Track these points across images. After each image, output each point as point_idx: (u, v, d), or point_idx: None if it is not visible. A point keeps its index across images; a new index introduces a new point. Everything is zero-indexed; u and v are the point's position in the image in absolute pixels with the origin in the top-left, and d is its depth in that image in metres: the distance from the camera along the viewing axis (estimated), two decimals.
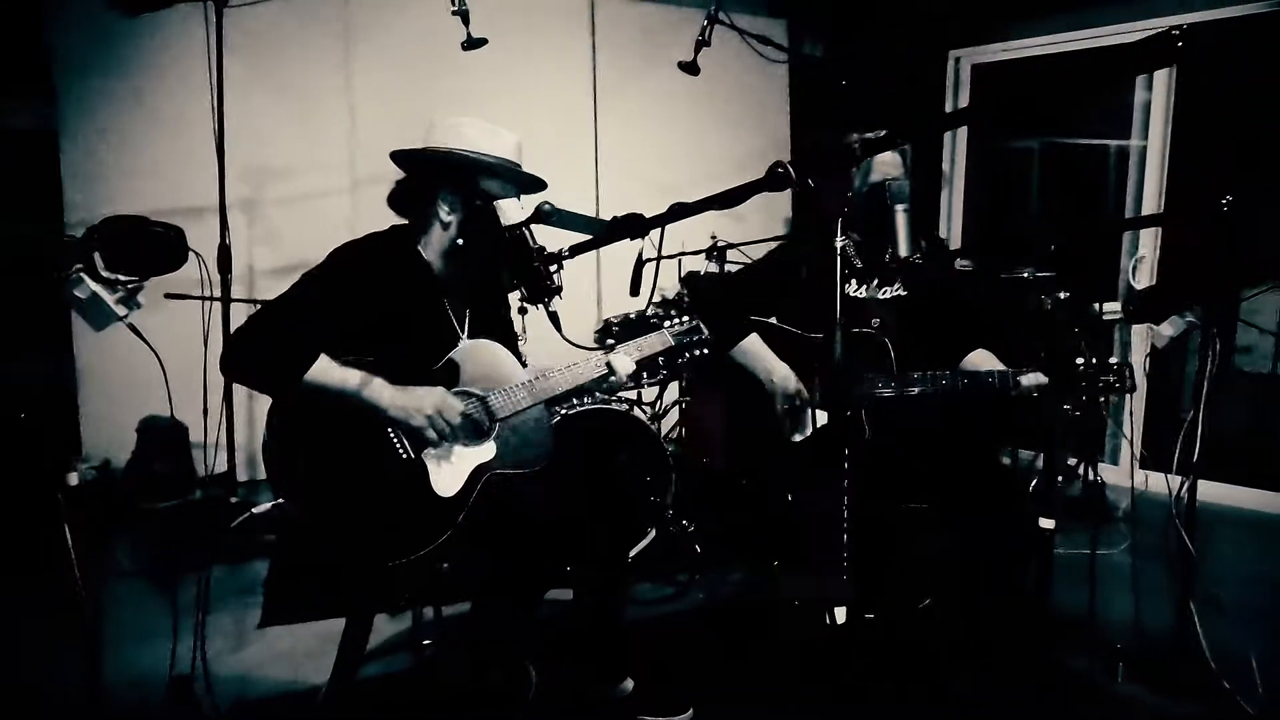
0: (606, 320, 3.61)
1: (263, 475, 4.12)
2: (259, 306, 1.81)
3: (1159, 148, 4.27)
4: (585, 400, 2.84)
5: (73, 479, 1.69)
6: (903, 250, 2.13)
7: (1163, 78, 4.21)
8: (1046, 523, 1.69)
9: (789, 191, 5.03)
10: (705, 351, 2.10)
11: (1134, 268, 4.23)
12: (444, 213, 1.95)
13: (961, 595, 2.43)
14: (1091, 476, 3.99)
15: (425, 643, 2.54)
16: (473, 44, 3.49)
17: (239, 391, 3.74)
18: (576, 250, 1.61)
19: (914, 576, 2.59)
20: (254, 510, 1.70)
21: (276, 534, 3.02)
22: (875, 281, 2.43)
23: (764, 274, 2.51)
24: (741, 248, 4.18)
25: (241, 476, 4.18)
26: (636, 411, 3.24)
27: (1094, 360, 2.11)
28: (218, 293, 3.31)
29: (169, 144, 3.95)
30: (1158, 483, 3.70)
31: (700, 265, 4.24)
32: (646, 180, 4.76)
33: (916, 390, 2.21)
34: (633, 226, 1.40)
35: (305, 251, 4.31)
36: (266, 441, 1.71)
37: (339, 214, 4.38)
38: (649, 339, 2.09)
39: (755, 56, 5.01)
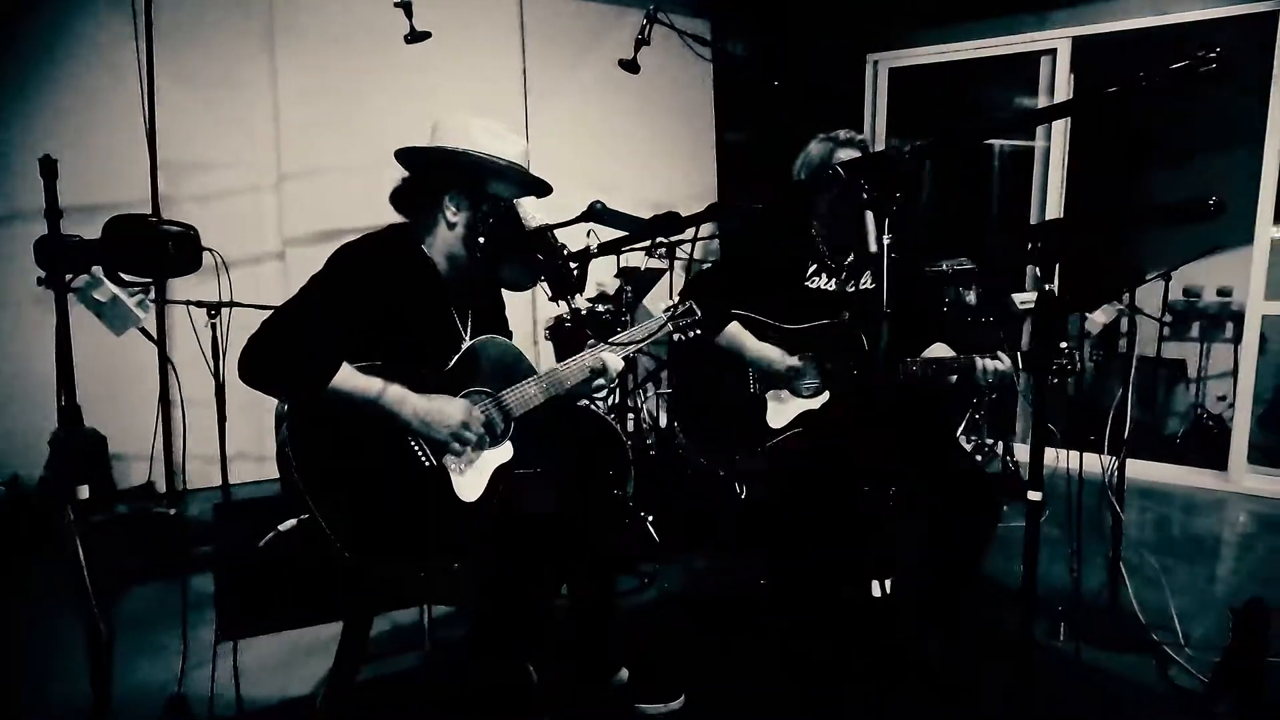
0: (559, 317, 3.63)
1: (186, 485, 4.01)
2: (270, 312, 1.73)
3: (1060, 149, 4.62)
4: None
5: None
6: (872, 246, 2.22)
7: (1063, 86, 4.56)
8: (1034, 495, 1.82)
9: (715, 184, 5.13)
10: (698, 333, 2.15)
11: None
12: (450, 213, 1.94)
13: (924, 572, 2.58)
14: (1008, 455, 4.28)
15: (384, 650, 2.53)
16: (416, 37, 3.42)
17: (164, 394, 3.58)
18: (605, 249, 1.64)
19: (878, 557, 2.72)
20: (280, 529, 1.63)
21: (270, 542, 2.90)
22: (844, 275, 2.55)
23: (742, 267, 2.58)
24: (681, 245, 4.28)
25: (162, 487, 4.01)
26: (592, 406, 3.28)
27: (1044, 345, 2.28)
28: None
29: (95, 136, 3.74)
30: (1067, 459, 4.05)
31: (641, 261, 4.31)
32: (577, 175, 4.78)
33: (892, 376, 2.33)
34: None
35: (227, 251, 4.17)
36: (284, 450, 1.65)
37: (265, 212, 4.21)
38: (647, 324, 2.12)
39: (682, 55, 5.11)
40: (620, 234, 1.75)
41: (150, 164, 3.27)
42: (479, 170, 1.93)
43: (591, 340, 2.03)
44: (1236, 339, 5.05)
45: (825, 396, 2.43)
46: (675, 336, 2.12)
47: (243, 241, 4.10)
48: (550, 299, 1.83)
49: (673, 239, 4.28)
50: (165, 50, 3.68)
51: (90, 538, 2.42)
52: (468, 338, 2.00)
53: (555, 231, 1.77)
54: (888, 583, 1.44)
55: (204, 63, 3.98)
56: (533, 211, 1.85)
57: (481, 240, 1.89)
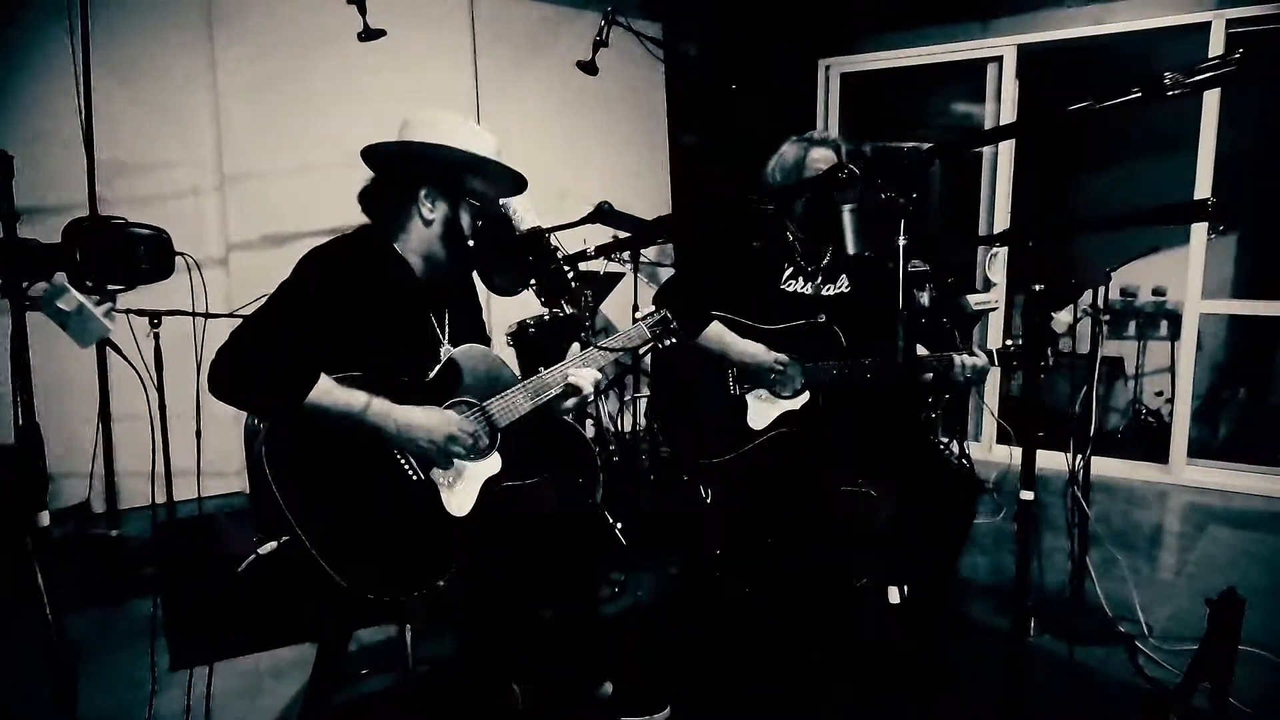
0: (521, 322, 3.55)
1: (124, 505, 3.81)
2: (240, 321, 1.62)
3: (1008, 157, 4.74)
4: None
5: None
6: (850, 248, 2.22)
7: (1009, 92, 4.68)
8: (1026, 494, 1.84)
9: (668, 186, 5.10)
10: (674, 340, 2.12)
11: (989, 263, 4.67)
12: (426, 210, 1.85)
13: (901, 570, 2.58)
14: (961, 453, 4.35)
15: (363, 671, 2.43)
16: (370, 34, 3.32)
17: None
18: (602, 250, 1.59)
19: (855, 555, 2.74)
20: (260, 552, 1.52)
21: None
22: (820, 279, 2.54)
23: (717, 270, 2.56)
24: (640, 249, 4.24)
25: (99, 506, 3.80)
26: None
27: (1020, 344, 2.31)
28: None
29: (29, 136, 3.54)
30: (1018, 456, 4.15)
31: (600, 266, 4.26)
32: (529, 175, 4.70)
33: (869, 375, 2.34)
34: (669, 227, 1.40)
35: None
36: (260, 467, 1.55)
37: (207, 215, 4.03)
38: (627, 334, 2.07)
39: (635, 57, 5.09)
40: (612, 236, 1.70)
41: (88, 164, 3.08)
42: (455, 165, 1.85)
43: (574, 345, 1.97)
44: (1172, 337, 5.26)
45: (806, 397, 2.42)
46: (648, 347, 2.08)
47: (182, 246, 3.89)
48: (542, 304, 1.77)
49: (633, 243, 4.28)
50: (101, 44, 3.49)
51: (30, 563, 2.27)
52: (446, 342, 1.93)
53: (550, 234, 1.72)
54: (905, 589, 1.41)
55: (140, 57, 3.80)
56: (524, 213, 1.79)
57: (471, 243, 1.81)
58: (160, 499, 3.15)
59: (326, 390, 1.62)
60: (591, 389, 1.97)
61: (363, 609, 1.85)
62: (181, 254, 1.72)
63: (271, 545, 1.51)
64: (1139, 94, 1.12)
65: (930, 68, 4.91)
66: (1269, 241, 5.35)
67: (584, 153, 5.07)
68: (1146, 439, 5.06)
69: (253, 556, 1.50)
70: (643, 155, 5.35)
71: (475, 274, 1.93)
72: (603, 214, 1.73)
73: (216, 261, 4.07)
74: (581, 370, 1.94)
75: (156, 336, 3.07)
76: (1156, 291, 5.44)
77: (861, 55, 5.12)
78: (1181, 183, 4.29)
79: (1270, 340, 5.28)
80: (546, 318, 3.52)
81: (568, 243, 2.40)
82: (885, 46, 5.03)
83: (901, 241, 1.30)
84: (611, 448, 4.24)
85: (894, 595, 1.42)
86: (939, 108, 5.43)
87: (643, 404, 4.48)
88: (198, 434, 2.89)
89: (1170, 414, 4.66)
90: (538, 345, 3.44)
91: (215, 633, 2.67)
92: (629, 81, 5.12)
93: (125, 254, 1.45)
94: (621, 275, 4.29)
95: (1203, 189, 4.24)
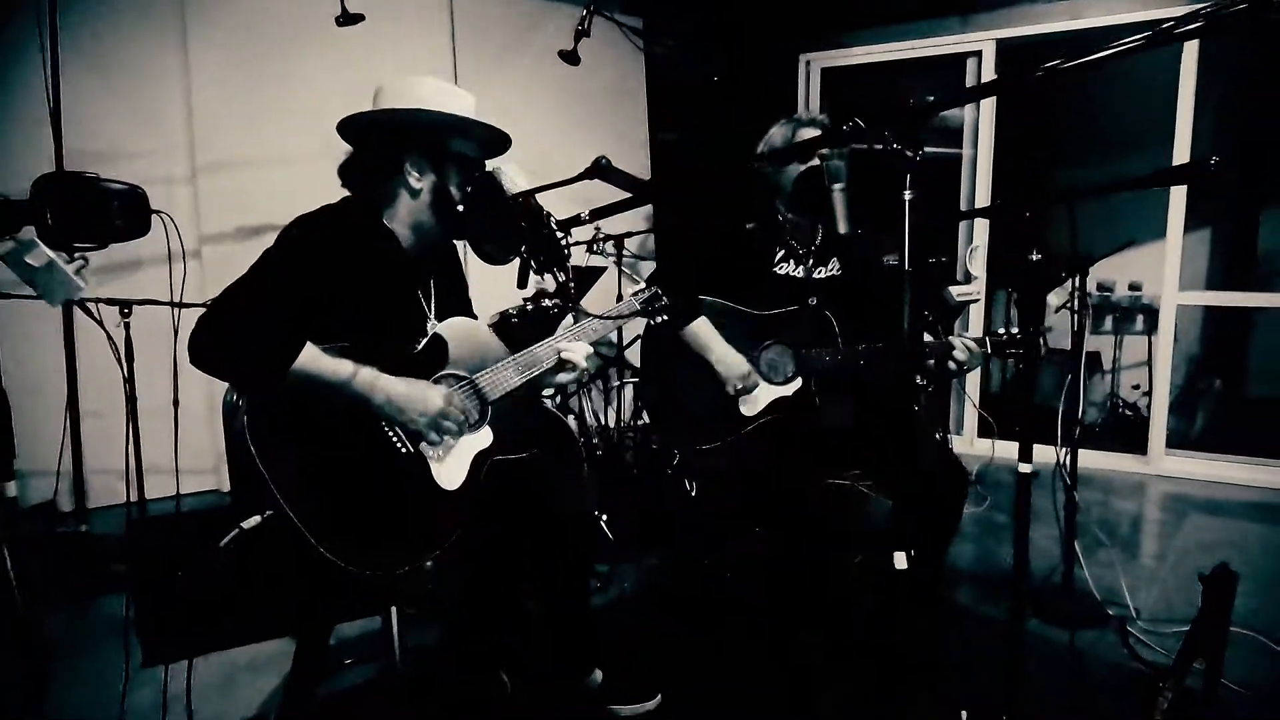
0: (503, 312, 3.50)
1: (93, 503, 3.70)
2: (221, 291, 1.56)
3: (987, 157, 4.77)
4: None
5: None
6: (842, 228, 2.19)
7: (988, 102, 4.72)
8: (1025, 467, 1.83)
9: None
10: (666, 318, 2.08)
11: (970, 256, 4.69)
12: (413, 180, 1.80)
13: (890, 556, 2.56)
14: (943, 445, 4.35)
15: (346, 661, 2.36)
16: (349, 19, 3.27)
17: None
18: (598, 214, 1.55)
19: (848, 542, 2.71)
20: (243, 526, 1.45)
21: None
22: (811, 261, 2.52)
23: (712, 251, 2.52)
24: (620, 239, 4.22)
25: (67, 505, 3.69)
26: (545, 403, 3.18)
27: (1014, 332, 2.30)
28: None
29: None
30: (1002, 449, 4.18)
31: (581, 259, 4.22)
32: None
33: (862, 362, 2.31)
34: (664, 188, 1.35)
35: (138, 247, 3.87)
36: (242, 442, 1.48)
37: (178, 206, 3.93)
38: (617, 307, 2.04)
39: (615, 50, 5.07)
40: (609, 205, 1.66)
41: (55, 153, 2.99)
42: (437, 130, 1.80)
43: (567, 317, 1.93)
44: (1148, 331, 5.31)
45: (798, 383, 2.39)
46: (650, 320, 2.05)
47: (153, 237, 3.80)
48: (535, 272, 1.72)
49: (615, 234, 4.24)
50: (70, 31, 3.41)
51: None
52: (432, 315, 1.87)
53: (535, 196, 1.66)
54: (901, 557, 1.38)
55: (110, 43, 3.70)
56: (514, 176, 1.74)
57: (460, 209, 1.76)
58: (134, 496, 3.06)
59: (313, 358, 1.57)
60: (584, 362, 1.94)
61: (347, 594, 1.79)
62: (158, 211, 1.65)
63: (255, 519, 1.44)
64: (1111, 51, 1.12)
65: (910, 62, 4.93)
66: (1242, 235, 5.44)
67: (564, 148, 5.00)
68: (1124, 432, 5.11)
69: (235, 530, 1.44)
70: (623, 149, 5.31)
71: (465, 243, 1.87)
72: (601, 169, 1.68)
73: (190, 253, 3.97)
74: (574, 344, 1.90)
75: (127, 326, 2.98)
76: (1133, 286, 5.50)
77: (842, 50, 5.13)
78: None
79: (1243, 332, 5.35)
80: (529, 308, 3.47)
81: (562, 207, 2.33)
82: (866, 42, 5.04)
83: (907, 195, 1.27)
84: (595, 441, 4.20)
85: (900, 561, 1.38)
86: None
87: (627, 396, 4.43)
88: (175, 424, 2.79)
89: (1148, 407, 4.69)
90: (520, 335, 3.38)
91: (190, 628, 2.59)
92: (609, 75, 5.09)
93: (98, 210, 1.37)
94: (603, 269, 4.25)
95: (1178, 191, 4.28)
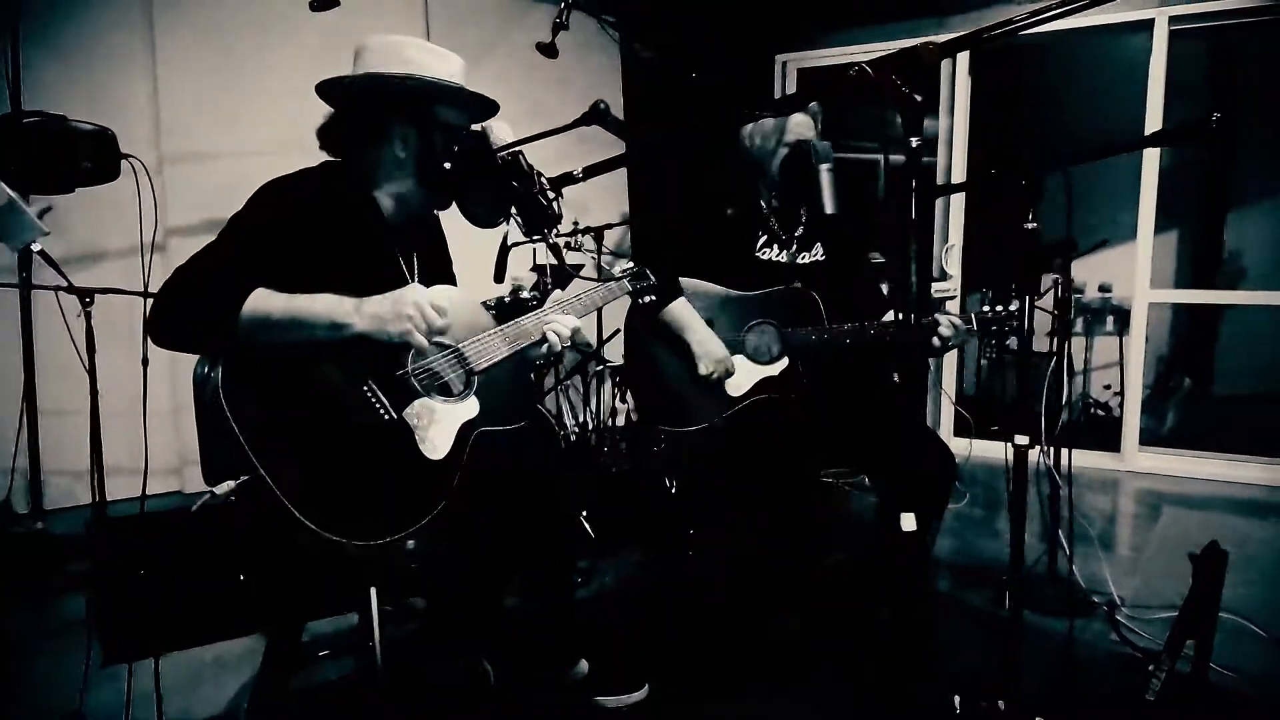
0: (482, 302, 3.43)
1: (50, 505, 3.55)
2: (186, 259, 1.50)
3: (961, 165, 4.82)
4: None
5: None
6: (828, 208, 2.18)
7: (963, 87, 4.75)
8: (1021, 439, 1.81)
9: (625, 180, 5.03)
10: (654, 298, 2.04)
11: (945, 254, 4.72)
12: (399, 149, 1.73)
13: (877, 549, 2.54)
14: None
15: (321, 653, 2.27)
16: (323, 4, 3.20)
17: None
18: (591, 171, 1.50)
19: (829, 536, 2.68)
20: (215, 492, 1.37)
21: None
22: (795, 247, 2.49)
23: (693, 235, 2.49)
24: (600, 231, 4.19)
25: (21, 506, 3.54)
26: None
27: (999, 309, 2.29)
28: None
29: None
30: (980, 448, 4.18)
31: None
32: None
33: (849, 340, 2.29)
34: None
35: (100, 240, 3.72)
36: (215, 409, 1.41)
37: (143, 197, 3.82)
38: (607, 285, 1.99)
39: (591, 50, 5.04)
40: (605, 161, 1.61)
41: None
42: (426, 96, 1.73)
43: (556, 293, 1.88)
44: (1119, 331, 5.37)
45: (785, 363, 2.36)
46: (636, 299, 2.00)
47: (117, 230, 3.70)
48: (524, 234, 1.67)
49: (594, 225, 4.20)
50: (32, 16, 3.31)
51: None
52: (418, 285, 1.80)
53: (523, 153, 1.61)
54: (909, 519, 1.34)
55: (73, 30, 3.59)
56: (500, 130, 1.68)
57: (448, 165, 1.69)
58: (91, 497, 2.94)
59: (264, 298, 1.48)
60: (570, 336, 1.88)
61: (324, 575, 1.71)
62: (128, 155, 1.56)
63: (229, 485, 1.36)
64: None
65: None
66: (1208, 235, 5.55)
67: (540, 143, 4.97)
68: (1096, 432, 5.15)
69: (206, 495, 1.36)
70: (599, 146, 5.27)
71: (454, 204, 1.80)
72: (599, 114, 1.64)
73: (155, 246, 3.86)
74: (562, 317, 1.85)
75: (88, 316, 2.86)
76: (1103, 288, 5.57)
77: (818, 51, 5.15)
78: (1131, 180, 4.41)
79: (1210, 332, 5.44)
80: (507, 300, 3.41)
81: (556, 165, 2.25)
82: (842, 43, 5.07)
83: (914, 141, 1.24)
84: (573, 437, 4.13)
85: (908, 522, 1.34)
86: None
87: (606, 394, 4.37)
88: (144, 419, 2.68)
89: (1120, 406, 4.74)
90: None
91: (152, 625, 2.47)
92: (585, 72, 5.05)
93: (63, 151, 1.29)
94: (581, 267, 4.21)
95: (1149, 185, 4.35)
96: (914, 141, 1.24)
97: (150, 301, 1.52)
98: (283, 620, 1.82)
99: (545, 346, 1.88)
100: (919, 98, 1.25)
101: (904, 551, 1.37)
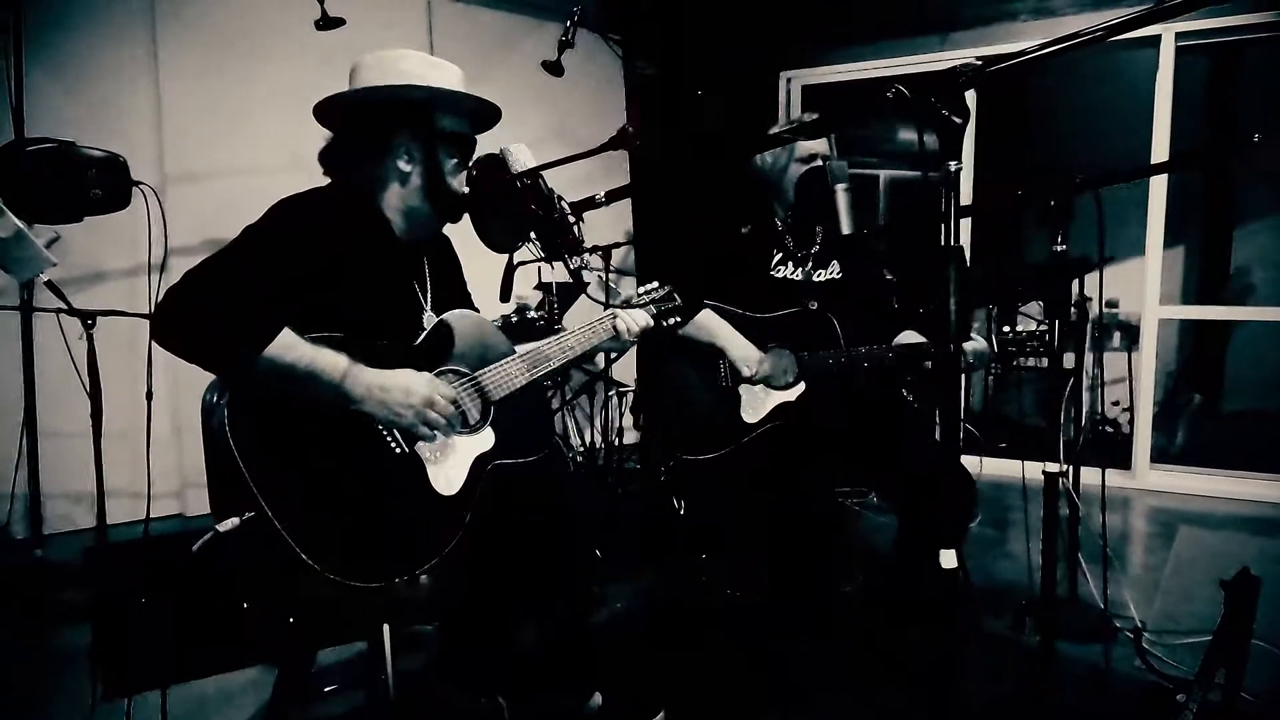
0: (504, 316, 3.41)
1: (50, 529, 3.49)
2: (197, 263, 1.45)
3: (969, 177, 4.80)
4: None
5: None
6: (845, 228, 2.16)
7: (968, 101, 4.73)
8: (1052, 466, 1.76)
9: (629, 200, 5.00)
10: (678, 320, 1.99)
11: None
12: (404, 164, 1.70)
13: (894, 572, 2.48)
14: None
15: (327, 689, 2.21)
16: (329, 23, 3.19)
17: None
18: (614, 195, 1.46)
19: (843, 560, 2.63)
20: (218, 529, 1.32)
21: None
22: (810, 264, 2.46)
23: (707, 254, 2.45)
24: (607, 250, 4.15)
25: (20, 532, 3.48)
26: None
27: (1019, 329, 2.25)
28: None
29: None
30: (990, 466, 4.13)
31: (563, 275, 4.13)
32: None
33: (866, 364, 2.25)
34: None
35: (102, 260, 3.68)
36: (221, 441, 1.36)
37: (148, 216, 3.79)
38: (634, 312, 1.94)
39: (595, 69, 5.03)
40: (625, 186, 1.58)
41: None
42: (425, 106, 1.69)
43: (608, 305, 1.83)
44: (1126, 347, 5.33)
45: (801, 387, 2.32)
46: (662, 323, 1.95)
47: (118, 251, 3.66)
48: (544, 259, 1.63)
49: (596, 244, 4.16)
50: (35, 33, 3.29)
51: None
52: (428, 307, 1.76)
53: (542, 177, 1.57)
54: (949, 556, 1.29)
55: (76, 48, 3.57)
56: (519, 154, 1.64)
57: (466, 190, 1.65)
58: (94, 520, 2.88)
59: (289, 345, 1.43)
60: (640, 331, 1.88)
61: (333, 611, 1.66)
62: (139, 183, 1.52)
63: (233, 522, 1.31)
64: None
65: (890, 80, 4.94)
66: (1216, 251, 5.53)
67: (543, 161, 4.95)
68: (1106, 449, 5.10)
69: (210, 534, 1.31)
70: (604, 165, 5.25)
71: (469, 223, 1.76)
72: (627, 137, 1.60)
73: (156, 267, 3.82)
74: (634, 311, 1.86)
75: (90, 339, 2.82)
76: (1109, 304, 5.53)
77: (822, 68, 5.14)
78: (1137, 196, 4.38)
79: (1219, 347, 5.41)
80: (514, 320, 3.39)
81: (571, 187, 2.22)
82: (846, 60, 5.06)
83: (953, 166, 1.21)
84: (579, 460, 4.09)
85: (948, 559, 1.28)
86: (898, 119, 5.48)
87: (612, 414, 4.33)
88: (147, 443, 2.63)
89: (1130, 423, 4.69)
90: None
91: (155, 657, 2.41)
92: (589, 91, 5.04)
93: (72, 179, 1.25)
94: (585, 285, 4.17)
95: (1157, 201, 4.32)
96: (953, 165, 1.20)
97: (157, 303, 1.46)
98: (291, 650, 1.76)
99: (614, 339, 1.87)
100: (959, 120, 1.21)
101: (943, 589, 1.31)
